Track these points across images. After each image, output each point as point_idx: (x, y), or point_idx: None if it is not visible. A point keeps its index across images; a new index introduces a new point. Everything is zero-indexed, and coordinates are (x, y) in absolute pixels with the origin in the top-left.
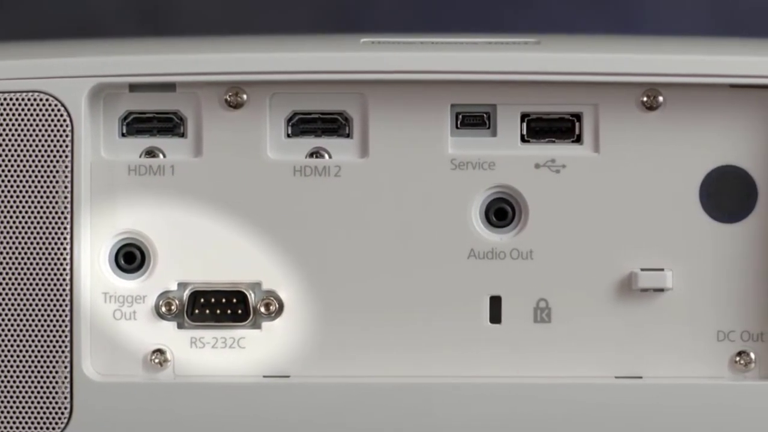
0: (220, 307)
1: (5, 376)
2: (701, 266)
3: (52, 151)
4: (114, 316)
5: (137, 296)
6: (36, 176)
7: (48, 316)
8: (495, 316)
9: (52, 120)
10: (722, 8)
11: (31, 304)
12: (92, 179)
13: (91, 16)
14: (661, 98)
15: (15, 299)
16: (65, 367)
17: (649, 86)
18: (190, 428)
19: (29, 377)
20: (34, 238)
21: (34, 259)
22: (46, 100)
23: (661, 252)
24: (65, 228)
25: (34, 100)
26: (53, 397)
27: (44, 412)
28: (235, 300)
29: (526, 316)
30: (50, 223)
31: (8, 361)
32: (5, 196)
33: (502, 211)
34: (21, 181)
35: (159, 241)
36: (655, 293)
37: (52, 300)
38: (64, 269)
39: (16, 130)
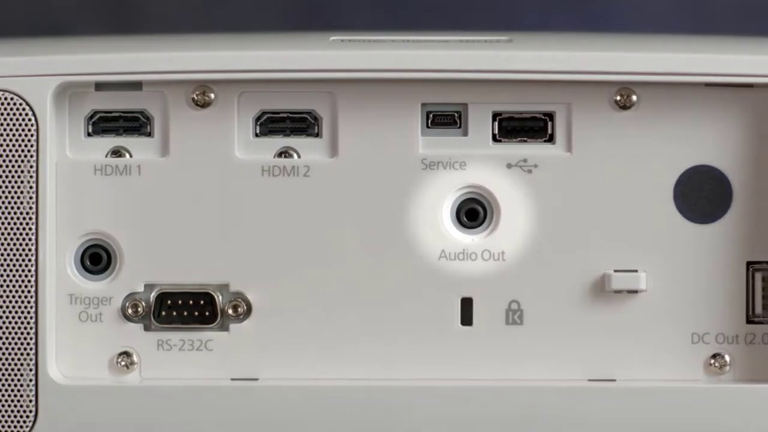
0: (187, 309)
1: None
2: (675, 267)
3: (16, 150)
4: (80, 318)
5: (103, 298)
6: (0, 176)
7: (12, 318)
8: (466, 318)
9: (17, 119)
10: (697, 6)
11: None
12: (57, 179)
13: (56, 14)
14: (634, 97)
15: None
16: (30, 370)
17: (623, 85)
18: None
19: None
20: None
21: None
22: (11, 99)
23: (634, 253)
24: (30, 229)
25: None
26: (18, 401)
27: (9, 416)
28: (202, 302)
29: (498, 318)
30: (15, 223)
31: None
32: None
33: (473, 212)
34: None
35: (125, 242)
36: (629, 295)
37: (16, 302)
38: (29, 271)
39: None
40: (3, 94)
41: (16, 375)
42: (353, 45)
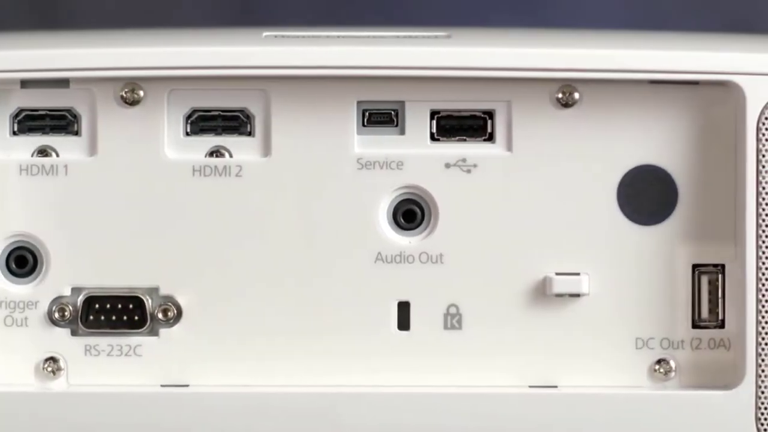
0: (115, 313)
1: None
2: (619, 271)
3: None
4: (5, 322)
5: (29, 302)
6: None
7: None
8: (403, 323)
9: None
10: (640, 0)
11: None
12: None
13: None
14: (576, 95)
15: None
16: None
17: (564, 82)
18: None
19: None
20: None
21: None
22: None
23: (576, 256)
24: None
25: None
26: None
27: None
28: (131, 305)
29: (436, 323)
30: None
31: None
32: None
33: (410, 213)
34: None
35: (52, 244)
36: (571, 299)
37: None
38: None
39: None
40: None
41: None
42: (287, 41)
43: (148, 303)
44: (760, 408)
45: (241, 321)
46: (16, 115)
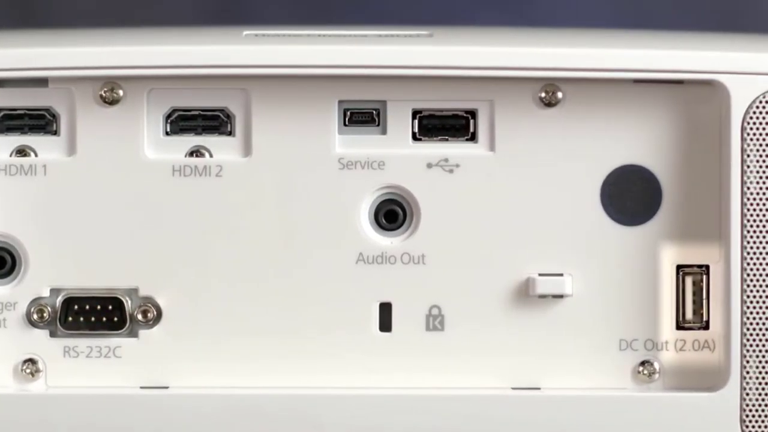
0: (94, 314)
1: None
2: (602, 271)
3: None
4: None
5: (7, 303)
6: None
7: None
8: (385, 324)
9: None
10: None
11: None
12: None
13: None
14: (560, 94)
15: None
16: None
17: (548, 81)
18: None
19: None
20: None
21: None
22: None
23: (560, 256)
24: None
25: None
26: None
27: None
28: (110, 307)
29: (418, 324)
30: None
31: None
32: None
33: (392, 213)
34: None
35: (30, 245)
36: (554, 300)
37: None
38: None
39: None
40: None
41: None
42: (267, 40)
43: (128, 304)
44: (744, 410)
45: (221, 322)
46: None
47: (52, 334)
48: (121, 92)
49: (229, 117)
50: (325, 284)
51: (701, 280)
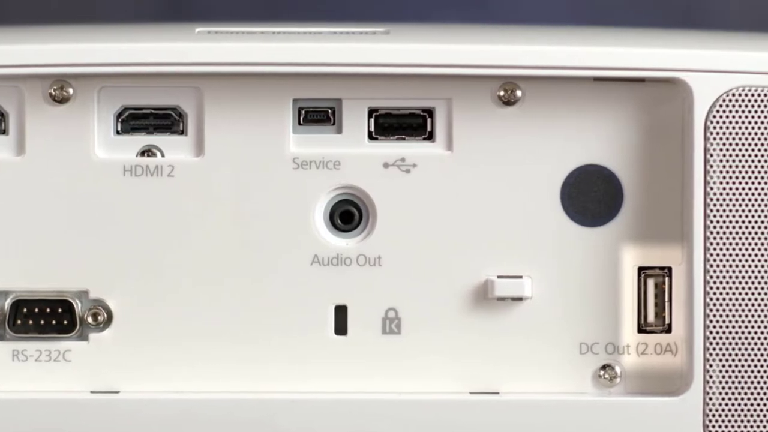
0: (44, 317)
1: None
2: (562, 273)
3: None
4: None
5: None
6: None
7: None
8: (340, 327)
9: None
10: None
11: None
12: None
13: None
14: (519, 92)
15: None
16: None
17: (506, 79)
18: None
19: None
20: None
21: None
22: None
23: (519, 258)
24: None
25: None
26: None
27: None
28: (60, 309)
29: (374, 327)
30: None
31: None
32: None
33: (348, 214)
34: None
35: None
36: (513, 302)
37: None
38: None
39: None
40: None
41: None
42: (220, 37)
43: (78, 307)
44: (707, 415)
45: (173, 325)
46: None
47: (1, 338)
48: (71, 90)
49: (181, 116)
50: (279, 286)
51: (663, 283)
